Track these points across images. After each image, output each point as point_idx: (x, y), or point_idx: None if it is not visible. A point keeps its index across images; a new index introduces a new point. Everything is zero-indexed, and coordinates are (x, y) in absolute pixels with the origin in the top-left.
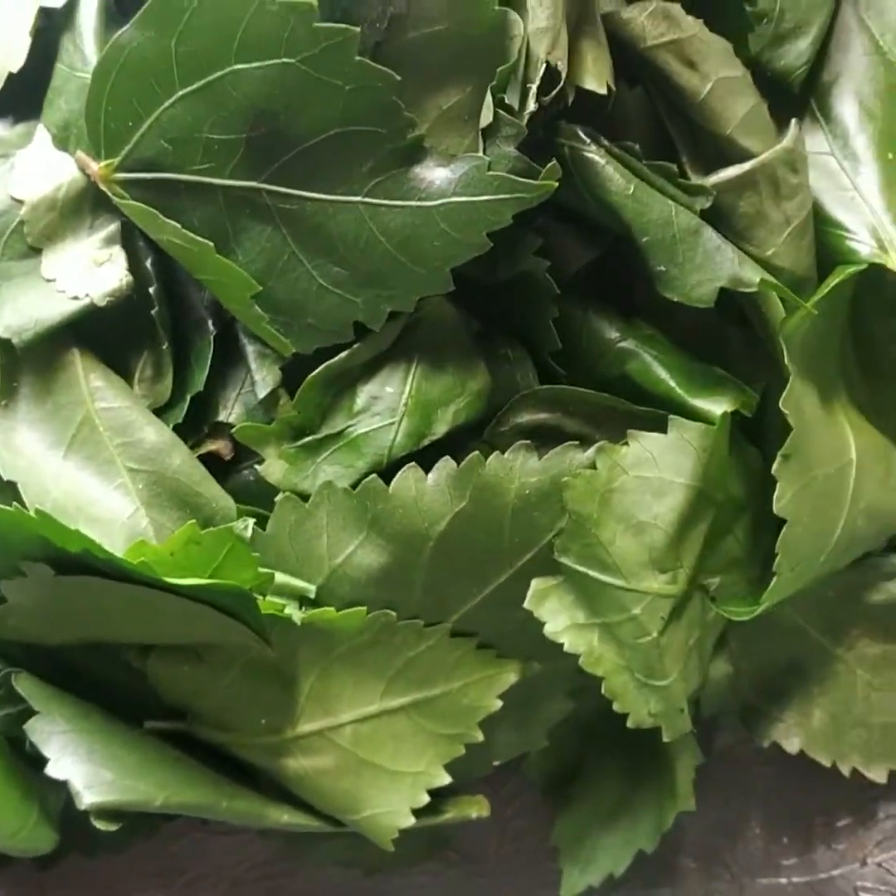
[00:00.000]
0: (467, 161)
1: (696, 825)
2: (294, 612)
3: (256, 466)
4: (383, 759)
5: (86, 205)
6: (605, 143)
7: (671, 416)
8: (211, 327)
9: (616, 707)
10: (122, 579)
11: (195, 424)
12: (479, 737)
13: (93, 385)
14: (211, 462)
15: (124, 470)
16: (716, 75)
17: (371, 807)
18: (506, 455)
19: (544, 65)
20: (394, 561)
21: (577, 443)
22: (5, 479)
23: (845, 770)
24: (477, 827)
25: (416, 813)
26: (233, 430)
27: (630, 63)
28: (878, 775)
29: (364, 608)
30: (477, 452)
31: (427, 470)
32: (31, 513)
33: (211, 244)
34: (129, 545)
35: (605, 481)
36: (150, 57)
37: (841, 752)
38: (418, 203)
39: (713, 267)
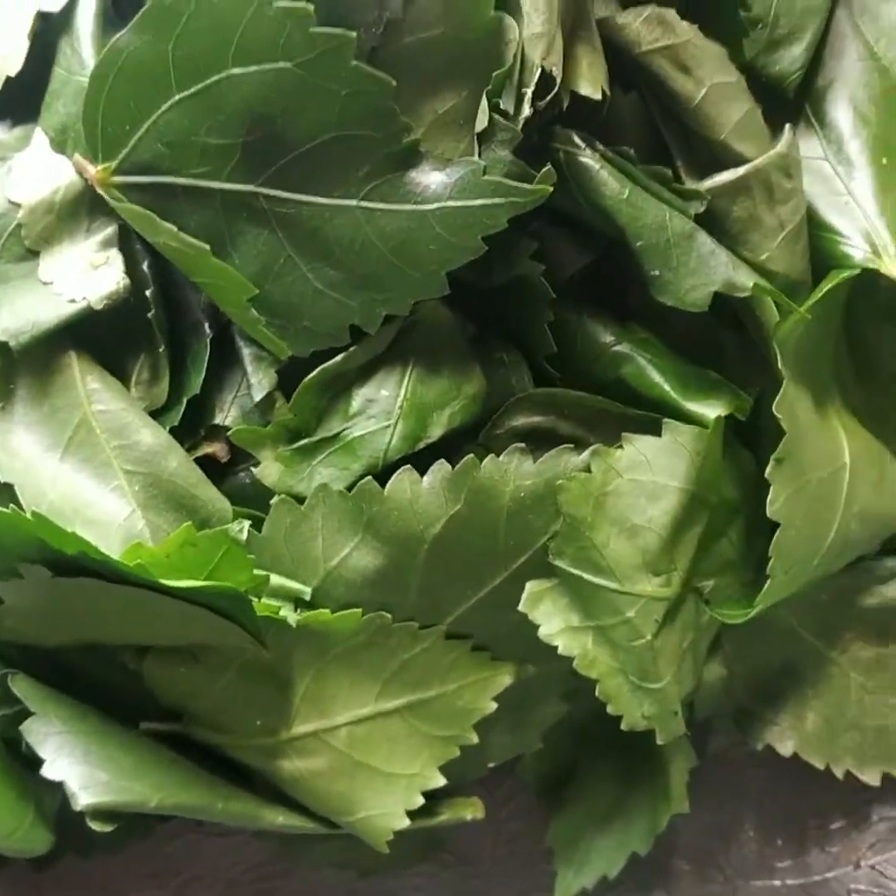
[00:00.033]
0: (463, 165)
1: (690, 827)
2: (289, 614)
3: (252, 469)
4: (378, 761)
5: (83, 208)
6: (600, 147)
7: (665, 420)
8: (207, 330)
9: (610, 709)
10: (118, 581)
11: (192, 427)
12: (474, 739)
13: (89, 387)
14: (207, 464)
15: (121, 472)
16: (710, 80)
17: (366, 808)
18: (501, 458)
19: (539, 70)
20: (389, 563)
21: (571, 446)
22: (2, 480)
23: (839, 773)
24: (471, 829)
25: (411, 815)
26: (229, 433)
27: (625, 68)
28: (871, 778)
29: (359, 610)
30: (472, 455)
31: (422, 473)
32: (28, 515)
33: (207, 247)
34: (126, 547)
35: (600, 484)
36: (147, 61)
37: (834, 755)
38: (414, 207)
39: (707, 271)
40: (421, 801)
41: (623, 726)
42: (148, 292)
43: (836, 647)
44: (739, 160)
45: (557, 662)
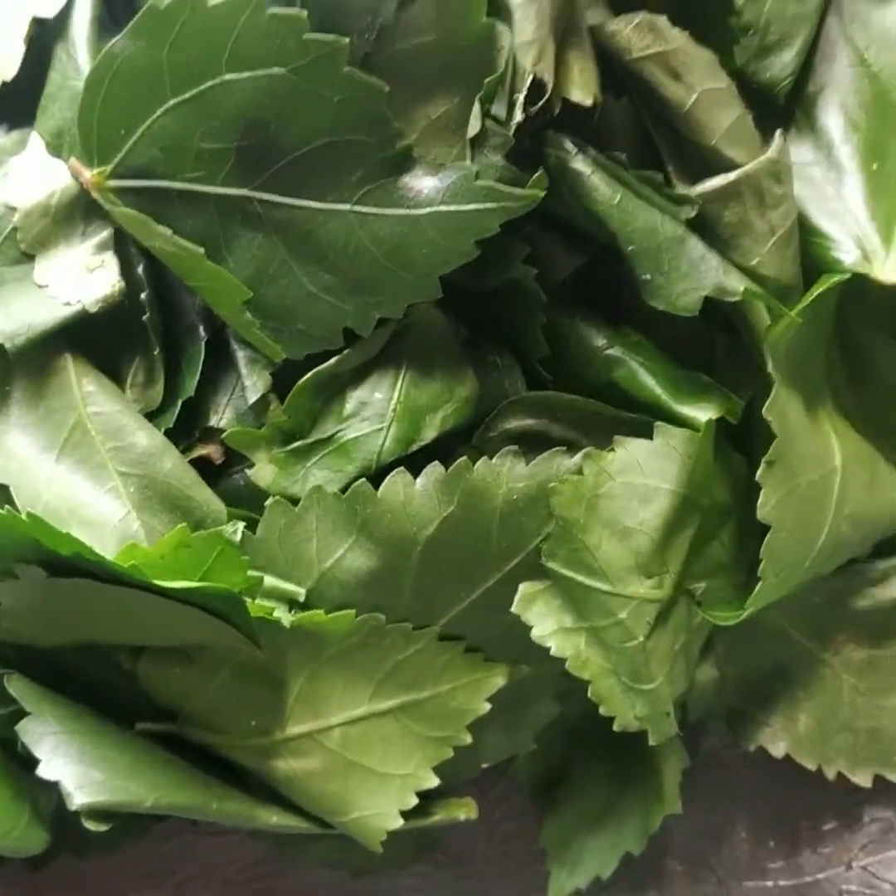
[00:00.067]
0: (455, 170)
1: (682, 828)
2: (284, 615)
3: (247, 471)
4: (372, 762)
5: (78, 211)
6: (592, 152)
7: (657, 423)
8: (202, 333)
9: (602, 711)
10: (113, 582)
11: (186, 429)
12: (468, 739)
13: (85, 390)
14: (202, 466)
15: (116, 474)
16: (701, 87)
17: (359, 808)
18: (493, 460)
19: (531, 76)
20: (382, 565)
21: (564, 448)
22: None
23: (830, 774)
24: (465, 829)
25: (405, 815)
26: (223, 435)
27: (616, 74)
28: (863, 779)
29: (353, 611)
30: (465, 458)
31: (416, 475)
32: (24, 516)
33: (202, 251)
34: (121, 548)
35: (592, 487)
36: (141, 66)
37: (826, 757)
38: (407, 211)
39: (698, 276)
40: (415, 801)
41: (615, 727)
42: (143, 295)
43: (829, 649)
44: (730, 165)
45: (551, 663)
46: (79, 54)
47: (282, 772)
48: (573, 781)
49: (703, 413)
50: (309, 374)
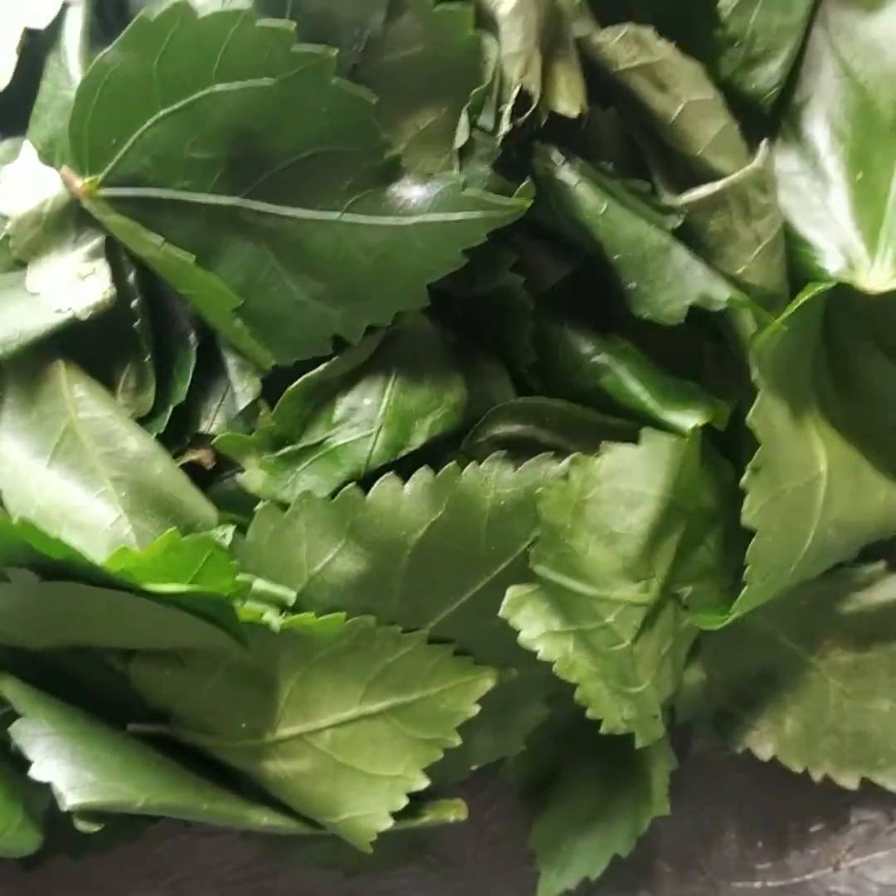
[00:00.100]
0: (443, 180)
1: (671, 830)
2: (273, 619)
3: (237, 476)
4: (362, 763)
5: (70, 220)
6: (579, 162)
7: (643, 429)
8: (193, 340)
9: (590, 713)
10: (104, 585)
11: (177, 434)
12: (457, 741)
13: (76, 395)
14: (193, 471)
15: (107, 478)
16: (687, 98)
17: (350, 809)
18: (482, 466)
19: (518, 88)
20: (372, 569)
21: (552, 454)
22: None
23: (817, 777)
24: (455, 831)
25: (395, 816)
26: (214, 440)
27: (603, 85)
28: (850, 782)
29: (343, 615)
30: (453, 463)
31: (405, 480)
32: (15, 520)
33: (192, 259)
34: (112, 551)
35: (579, 492)
36: (132, 77)
37: (813, 759)
38: (395, 220)
39: (683, 284)
40: (404, 802)
41: (603, 730)
42: (134, 303)
43: (816, 653)
44: (716, 175)
45: (539, 666)
46: (70, 64)
47: (273, 773)
48: (562, 783)
49: (689, 419)
50: (298, 381)
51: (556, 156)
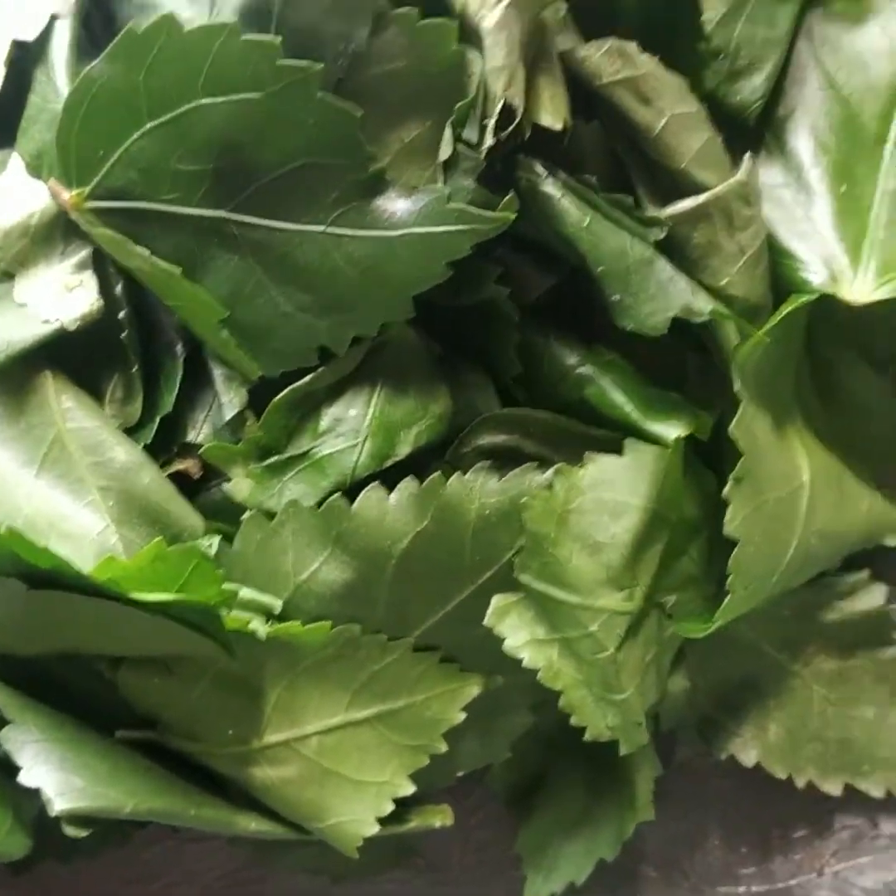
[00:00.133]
0: (427, 193)
1: (656, 835)
2: (260, 627)
3: (224, 485)
4: (348, 770)
5: (58, 231)
6: (563, 176)
7: (627, 439)
8: (180, 350)
9: (574, 721)
10: (91, 594)
11: (165, 444)
12: (443, 748)
13: (64, 406)
14: (181, 481)
15: (95, 488)
16: (670, 111)
17: (336, 815)
18: (467, 476)
19: (501, 101)
20: (358, 577)
21: (536, 464)
22: None
23: (800, 783)
24: (442, 836)
25: (381, 821)
26: (201, 450)
27: (587, 98)
28: (833, 788)
29: (328, 623)
30: (439, 473)
31: (391, 490)
32: (3, 530)
33: (179, 271)
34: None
35: (563, 502)
36: (119, 90)
37: (797, 766)
38: (381, 233)
39: (666, 297)
40: (391, 808)
41: (587, 737)
42: (121, 314)
43: (799, 660)
44: (700, 188)
45: (525, 674)
46: (58, 77)
47: (260, 779)
48: (548, 789)
49: (672, 430)
50: (285, 391)
51: (540, 169)
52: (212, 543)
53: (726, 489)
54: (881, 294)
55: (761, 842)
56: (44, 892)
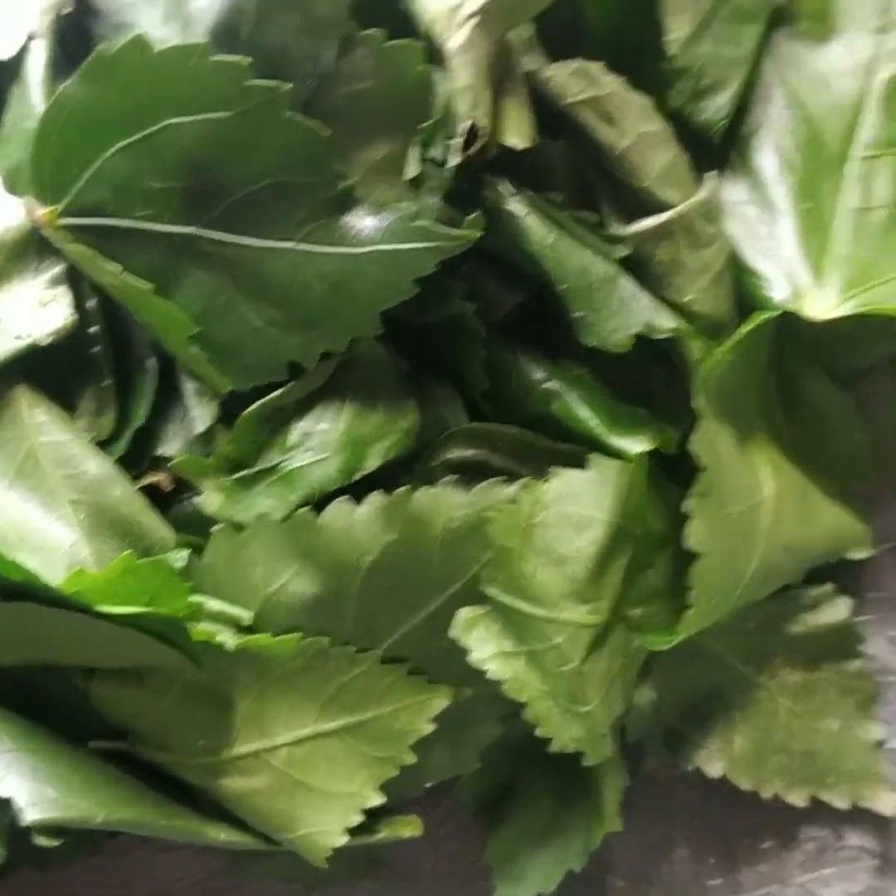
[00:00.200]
0: (394, 211)
1: (624, 846)
2: (227, 639)
3: (195, 498)
4: (317, 780)
5: (31, 248)
6: (529, 194)
7: (590, 454)
8: (152, 365)
9: (539, 732)
10: (61, 606)
11: (137, 457)
12: (412, 759)
13: (37, 420)
14: (153, 493)
15: (67, 501)
16: (635, 131)
17: (305, 826)
18: (434, 490)
19: (467, 121)
20: (326, 590)
21: (503, 479)
22: None
23: (766, 794)
24: (413, 846)
25: (350, 832)
26: (172, 463)
27: (553, 117)
28: (799, 799)
29: (297, 635)
30: (407, 487)
31: (360, 503)
32: None
33: (150, 287)
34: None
35: (528, 516)
36: (92, 109)
37: (762, 778)
38: (349, 249)
39: (629, 313)
40: (359, 818)
41: (552, 748)
42: (94, 329)
43: (765, 673)
44: (664, 206)
45: (493, 685)
46: (33, 96)
47: (230, 790)
48: (516, 800)
49: (636, 445)
50: (254, 406)
51: (506, 187)
52: (181, 556)
53: (687, 503)
54: (843, 311)
55: (728, 853)
56: None
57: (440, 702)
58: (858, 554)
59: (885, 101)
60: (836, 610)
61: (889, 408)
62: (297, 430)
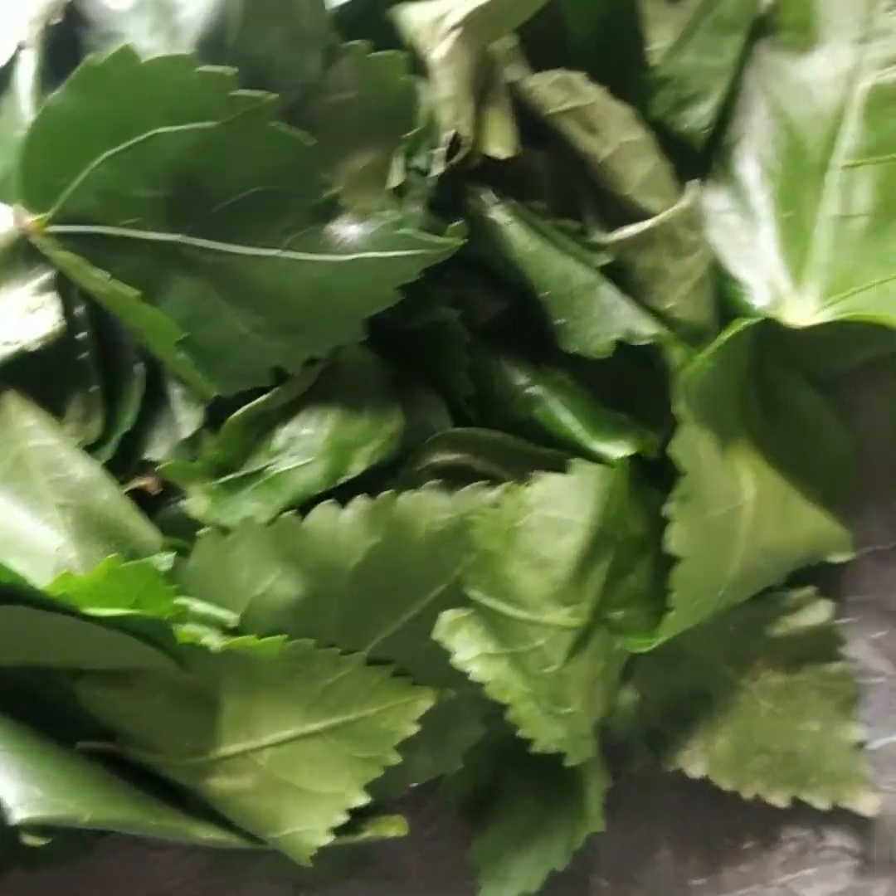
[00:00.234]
0: (378, 219)
1: (607, 845)
2: (213, 641)
3: (182, 502)
4: (302, 781)
5: (20, 255)
6: (511, 202)
7: (572, 459)
8: (139, 370)
9: (522, 733)
10: (48, 609)
11: (124, 461)
12: (396, 759)
13: (26, 425)
14: (140, 497)
15: (54, 504)
16: (617, 140)
17: (291, 825)
18: (417, 494)
19: (450, 131)
20: (311, 592)
21: (486, 483)
22: None
23: (747, 795)
24: (399, 846)
25: (335, 832)
26: (159, 468)
27: (536, 126)
28: (780, 800)
29: (283, 637)
30: (391, 491)
31: (345, 507)
32: None
33: (137, 293)
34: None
35: (510, 519)
36: (79, 119)
37: (743, 778)
38: (333, 257)
39: (609, 320)
40: (344, 818)
41: (534, 749)
42: (82, 335)
43: (747, 675)
44: (646, 214)
45: (476, 687)
46: (22, 105)
47: (216, 790)
48: (500, 800)
49: (617, 449)
50: (240, 411)
51: (489, 196)
52: (166, 559)
53: (668, 507)
54: (822, 317)
55: (710, 853)
56: None
57: (424, 703)
58: (839, 557)
59: (866, 110)
60: (817, 613)
61: (869, 413)
62: (283, 434)
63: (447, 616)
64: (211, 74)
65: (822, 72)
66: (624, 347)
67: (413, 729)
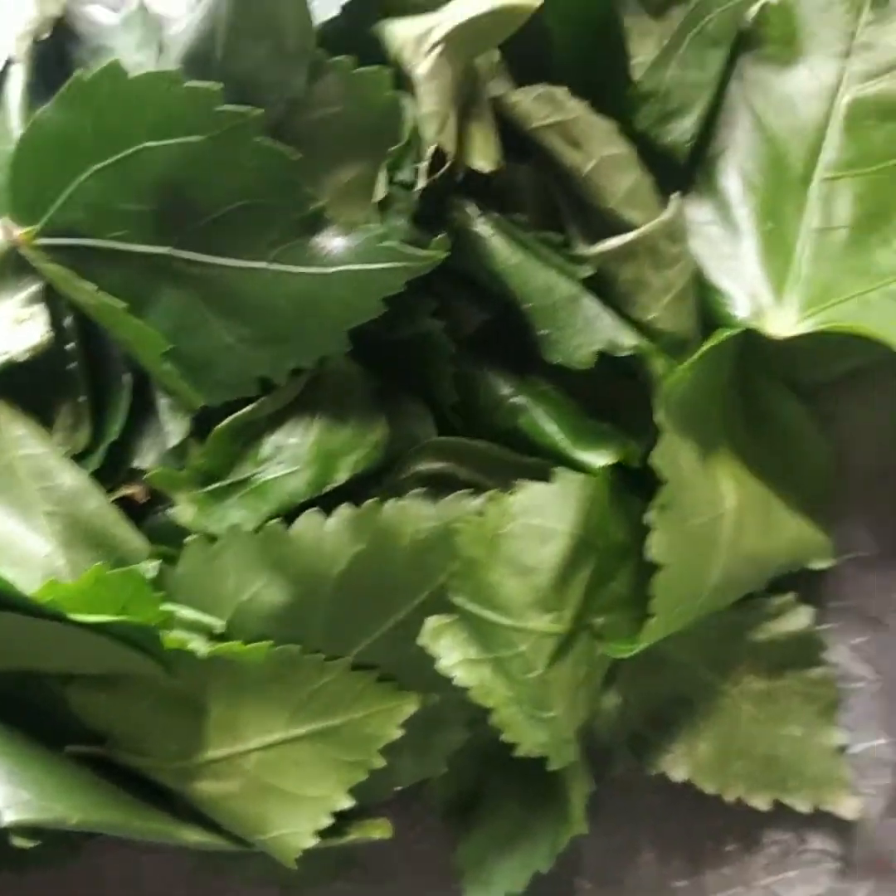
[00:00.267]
0: (363, 232)
1: (592, 848)
2: (200, 646)
3: (169, 510)
4: (288, 784)
5: (9, 267)
6: (495, 215)
7: (555, 468)
8: (127, 380)
9: (505, 737)
10: (35, 615)
11: (112, 470)
12: (381, 763)
13: (15, 434)
14: (128, 505)
15: (42, 512)
16: (599, 154)
17: (276, 828)
18: (402, 502)
19: (433, 146)
20: (297, 599)
21: (470, 491)
22: None
23: (729, 798)
24: (384, 849)
25: (320, 834)
26: (147, 476)
27: (520, 140)
28: (761, 803)
29: (269, 642)
30: (376, 499)
31: (330, 515)
32: None
33: (124, 305)
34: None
35: (494, 527)
36: (68, 133)
37: (725, 782)
38: (319, 269)
39: (592, 331)
40: (329, 821)
41: (517, 753)
42: (70, 346)
43: (729, 680)
44: (628, 227)
45: (460, 691)
46: (12, 119)
47: (204, 793)
48: (485, 804)
49: (599, 458)
50: (227, 420)
51: (472, 209)
52: (152, 566)
53: (649, 515)
54: (803, 328)
55: (693, 855)
56: None
57: (409, 708)
58: (820, 564)
59: (848, 123)
60: (799, 618)
61: (850, 422)
62: (269, 443)
63: (431, 622)
64: (197, 90)
65: (806, 85)
66: (606, 358)
67: (398, 733)
